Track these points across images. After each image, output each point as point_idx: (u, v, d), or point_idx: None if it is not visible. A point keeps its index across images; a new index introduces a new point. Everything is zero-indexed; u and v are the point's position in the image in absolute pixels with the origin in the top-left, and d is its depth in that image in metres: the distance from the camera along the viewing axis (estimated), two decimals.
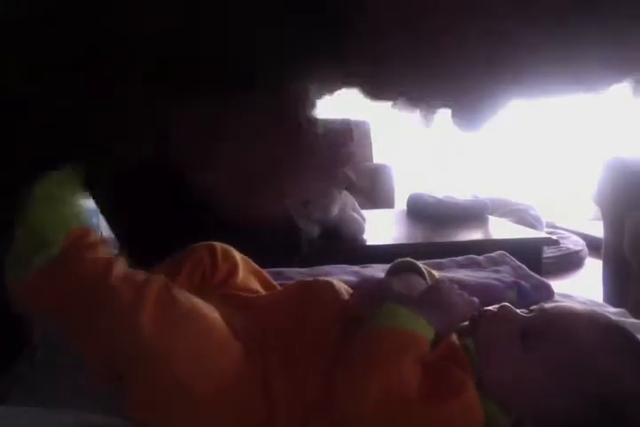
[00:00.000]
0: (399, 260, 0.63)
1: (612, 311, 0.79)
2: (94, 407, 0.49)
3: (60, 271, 0.48)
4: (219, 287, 0.61)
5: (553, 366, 0.48)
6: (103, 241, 0.51)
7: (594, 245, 2.64)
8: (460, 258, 0.95)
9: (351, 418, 0.44)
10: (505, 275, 0.85)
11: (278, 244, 0.83)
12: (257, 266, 0.67)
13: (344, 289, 0.58)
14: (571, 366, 0.48)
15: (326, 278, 0.60)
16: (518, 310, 0.54)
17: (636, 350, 0.50)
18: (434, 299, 0.51)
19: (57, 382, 0.53)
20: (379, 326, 0.48)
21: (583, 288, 2.11)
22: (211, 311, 0.49)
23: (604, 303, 0.92)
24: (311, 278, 0.62)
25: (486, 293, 0.76)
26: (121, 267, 0.49)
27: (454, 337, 0.52)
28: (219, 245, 0.64)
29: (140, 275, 0.50)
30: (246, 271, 0.64)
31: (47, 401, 0.50)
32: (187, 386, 0.45)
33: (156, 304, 0.46)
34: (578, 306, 0.55)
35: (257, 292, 0.62)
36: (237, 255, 0.65)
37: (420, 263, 0.62)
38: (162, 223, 0.77)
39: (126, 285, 0.47)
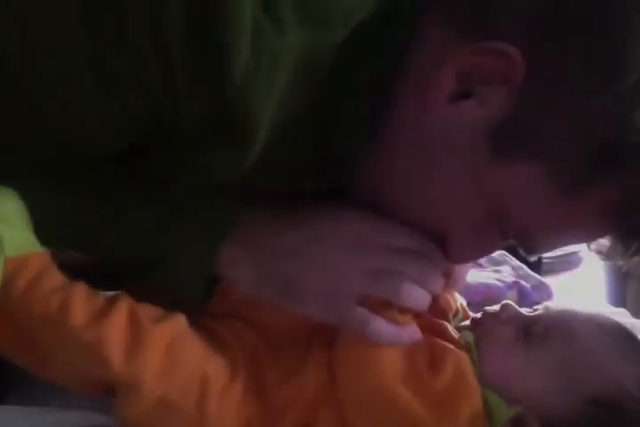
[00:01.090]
0: None
1: (611, 311, 0.79)
2: (94, 407, 0.49)
3: (4, 312, 0.44)
4: None
5: (554, 366, 0.48)
6: (51, 266, 0.46)
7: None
8: None
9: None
10: (505, 275, 0.85)
11: None
12: None
13: None
14: (572, 366, 0.48)
15: None
16: (521, 309, 0.54)
17: (637, 351, 0.50)
18: None
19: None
20: None
21: (583, 288, 2.10)
22: (183, 329, 0.47)
23: (605, 303, 0.92)
24: None
25: (486, 293, 0.76)
26: (78, 302, 0.44)
27: (448, 327, 0.52)
28: None
29: (102, 305, 0.45)
30: None
31: (47, 401, 0.50)
32: (168, 410, 0.45)
33: (123, 337, 0.44)
34: (580, 307, 0.55)
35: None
36: None
37: None
38: None
39: (88, 318, 0.44)
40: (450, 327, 0.53)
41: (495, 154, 0.40)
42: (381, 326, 0.45)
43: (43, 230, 0.47)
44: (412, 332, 0.48)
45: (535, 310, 0.54)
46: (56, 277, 0.45)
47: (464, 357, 0.48)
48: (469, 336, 0.52)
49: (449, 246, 0.47)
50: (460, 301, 0.60)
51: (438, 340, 0.50)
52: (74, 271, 0.48)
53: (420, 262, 0.47)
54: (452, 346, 0.49)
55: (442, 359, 0.47)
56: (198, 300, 0.49)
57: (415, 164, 0.44)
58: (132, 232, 0.47)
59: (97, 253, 0.50)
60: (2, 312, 0.44)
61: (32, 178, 0.46)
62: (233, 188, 0.47)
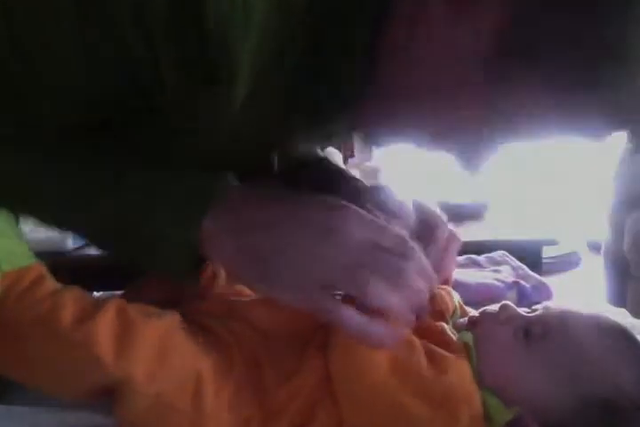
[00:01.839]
0: None
1: (611, 311, 0.79)
2: (94, 407, 0.49)
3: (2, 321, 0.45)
4: (200, 294, 0.60)
5: (554, 367, 0.48)
6: (45, 276, 0.47)
7: (594, 246, 2.64)
8: (459, 258, 0.95)
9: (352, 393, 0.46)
10: (505, 275, 0.85)
11: None
12: None
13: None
14: (572, 367, 0.48)
15: None
16: (520, 309, 0.54)
17: (636, 352, 0.50)
18: None
19: None
20: None
21: (583, 288, 2.10)
22: (176, 326, 0.48)
23: (604, 303, 0.92)
24: None
25: (486, 293, 0.76)
26: (69, 300, 0.45)
27: (446, 328, 0.52)
28: None
29: (91, 306, 0.46)
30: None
31: (47, 401, 0.50)
32: (165, 406, 0.45)
33: (111, 334, 0.44)
34: (580, 307, 0.55)
35: (244, 293, 0.62)
36: None
37: None
38: None
39: (77, 319, 0.44)
40: (447, 329, 0.53)
41: (492, 71, 0.40)
42: (349, 314, 0.44)
43: (39, 212, 0.47)
44: (385, 326, 0.45)
45: (535, 310, 0.54)
46: (49, 285, 0.46)
47: (464, 364, 0.48)
48: (468, 337, 0.51)
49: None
50: (456, 298, 0.59)
51: (435, 347, 0.49)
52: (80, 272, 0.48)
53: (398, 264, 0.45)
54: (450, 355, 0.49)
55: (441, 364, 0.47)
56: (187, 277, 0.49)
57: (415, 92, 0.44)
58: (119, 208, 0.47)
59: (85, 233, 0.49)
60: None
61: (26, 153, 0.46)
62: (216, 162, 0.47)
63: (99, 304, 0.46)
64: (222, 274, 0.62)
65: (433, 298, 0.55)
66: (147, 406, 0.44)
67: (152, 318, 0.46)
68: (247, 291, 0.62)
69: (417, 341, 0.49)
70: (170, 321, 0.47)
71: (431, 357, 0.48)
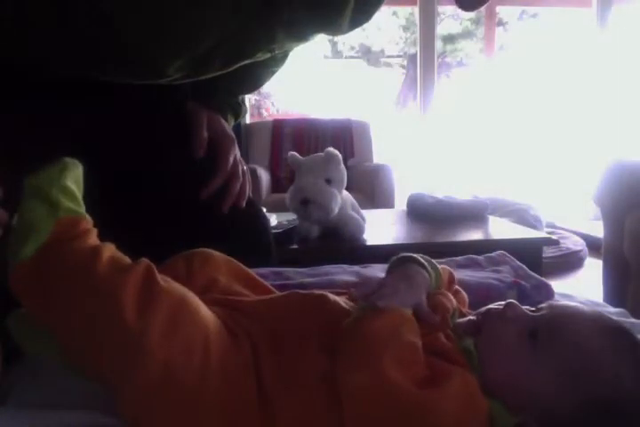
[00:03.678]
0: (398, 255, 0.62)
1: (611, 311, 0.79)
2: (94, 407, 0.49)
3: (47, 258, 0.48)
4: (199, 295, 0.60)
5: (560, 367, 0.48)
6: (93, 229, 0.52)
7: (594, 245, 2.65)
8: (459, 258, 0.95)
9: (352, 394, 0.45)
10: (505, 275, 0.85)
11: (249, 249, 0.84)
12: (243, 266, 0.66)
13: (340, 301, 0.57)
14: (578, 368, 0.48)
15: (321, 291, 0.59)
16: (524, 307, 0.53)
17: (638, 352, 0.50)
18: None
19: (57, 382, 0.53)
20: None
21: (583, 288, 2.11)
22: (196, 298, 0.50)
23: (604, 303, 0.92)
24: (305, 291, 0.60)
25: (486, 293, 0.76)
26: (108, 253, 0.50)
27: (444, 338, 0.52)
28: (197, 252, 0.63)
29: (126, 259, 0.51)
30: (229, 276, 0.63)
31: (47, 401, 0.50)
32: (172, 373, 0.44)
33: (138, 287, 0.47)
34: (582, 307, 0.54)
35: (243, 294, 0.61)
36: (219, 259, 0.64)
37: (418, 255, 0.61)
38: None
39: (111, 269, 0.48)
40: (452, 337, 0.52)
41: None
42: None
43: None
44: None
45: (539, 309, 0.53)
46: (94, 238, 0.51)
47: (466, 373, 0.47)
48: (469, 343, 0.51)
49: None
50: (454, 300, 0.59)
51: (436, 359, 0.49)
52: None
53: None
54: (452, 366, 0.48)
55: (442, 375, 0.46)
56: None
57: None
58: None
59: None
60: (42, 261, 0.48)
61: None
62: None
63: (133, 262, 0.50)
64: (222, 274, 0.62)
65: (432, 302, 0.55)
66: (154, 378, 0.44)
67: (173, 283, 0.49)
68: (246, 291, 0.62)
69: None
70: (187, 290, 0.50)
71: (432, 369, 0.47)
